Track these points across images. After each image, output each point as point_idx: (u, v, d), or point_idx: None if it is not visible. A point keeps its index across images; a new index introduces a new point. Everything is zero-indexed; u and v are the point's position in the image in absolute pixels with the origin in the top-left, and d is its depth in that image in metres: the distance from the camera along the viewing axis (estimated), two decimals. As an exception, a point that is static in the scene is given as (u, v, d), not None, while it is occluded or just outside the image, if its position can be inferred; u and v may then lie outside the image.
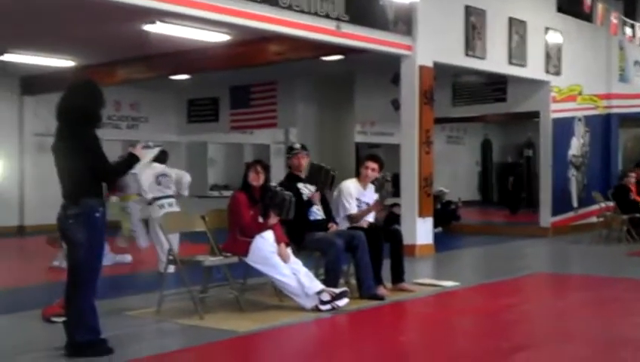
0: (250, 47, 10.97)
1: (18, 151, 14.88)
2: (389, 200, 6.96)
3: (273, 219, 5.99)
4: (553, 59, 12.84)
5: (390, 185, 6.86)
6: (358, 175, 7.21)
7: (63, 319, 5.45)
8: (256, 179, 6.15)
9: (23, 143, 14.91)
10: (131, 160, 4.87)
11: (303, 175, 6.73)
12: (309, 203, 6.56)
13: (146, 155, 4.98)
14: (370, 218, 7.04)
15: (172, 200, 8.41)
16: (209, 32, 10.15)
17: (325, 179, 6.61)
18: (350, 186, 6.99)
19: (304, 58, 10.98)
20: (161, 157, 8.14)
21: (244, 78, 15.17)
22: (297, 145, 6.92)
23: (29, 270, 9.66)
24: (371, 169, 6.98)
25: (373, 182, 6.92)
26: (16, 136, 14.89)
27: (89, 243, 4.61)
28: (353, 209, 6.88)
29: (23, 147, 14.91)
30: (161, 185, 8.34)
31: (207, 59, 11.81)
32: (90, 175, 4.64)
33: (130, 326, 5.52)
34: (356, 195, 6.94)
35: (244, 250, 5.99)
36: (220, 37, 10.42)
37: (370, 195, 6.98)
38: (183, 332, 5.41)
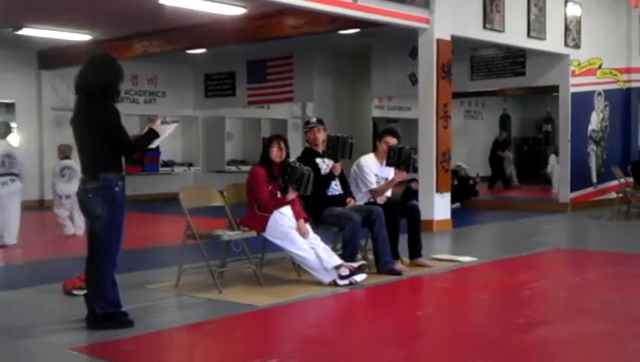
0: (267, 20, 10.92)
1: (37, 126, 14.98)
2: (408, 176, 6.93)
3: (291, 195, 5.99)
4: (572, 32, 12.66)
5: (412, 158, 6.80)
6: (375, 150, 7.19)
7: (83, 292, 5.52)
8: (279, 156, 6.13)
9: (41, 118, 15.00)
10: (150, 135, 4.89)
11: (320, 150, 6.71)
12: (329, 177, 6.55)
13: (165, 131, 4.98)
14: (388, 193, 7.03)
15: (14, 177, 8.70)
16: (225, 5, 10.12)
17: (344, 148, 6.57)
18: (369, 161, 6.98)
19: (320, 32, 10.91)
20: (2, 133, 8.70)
21: (260, 52, 15.13)
22: (313, 119, 6.88)
23: (49, 243, 9.76)
24: (388, 144, 6.95)
25: (389, 153, 6.80)
26: (34, 110, 14.97)
27: (108, 218, 4.65)
28: (374, 183, 6.87)
29: (41, 121, 15.00)
30: (5, 165, 8.56)
31: (224, 33, 11.78)
32: (109, 149, 4.66)
33: (150, 299, 5.57)
34: (375, 171, 6.93)
35: (262, 225, 6.00)
36: (235, 10, 10.38)
37: (388, 170, 6.96)
38: (202, 305, 5.45)
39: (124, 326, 4.66)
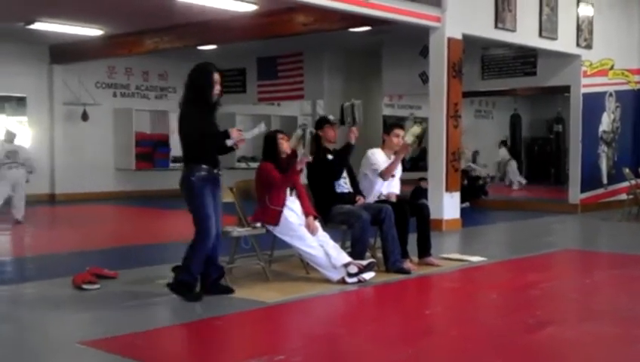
0: (277, 17, 10.94)
1: (48, 120, 15.04)
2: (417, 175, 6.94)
3: (301, 164, 5.98)
4: (584, 32, 12.61)
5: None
6: (383, 144, 7.18)
7: (94, 286, 5.56)
8: (289, 147, 6.13)
9: (53, 112, 15.06)
10: (222, 135, 5.36)
11: (332, 147, 6.72)
12: (341, 159, 6.57)
13: (250, 133, 5.52)
14: (397, 190, 7.03)
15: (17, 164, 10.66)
16: (236, 2, 10.13)
17: (352, 114, 6.66)
18: (377, 153, 7.00)
19: (331, 29, 10.91)
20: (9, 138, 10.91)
21: (271, 49, 15.14)
22: (331, 117, 6.94)
23: (60, 237, 9.82)
24: (399, 136, 6.98)
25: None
26: (45, 105, 15.04)
27: (196, 203, 5.30)
28: (383, 167, 6.88)
29: (53, 116, 15.06)
30: (10, 158, 10.62)
31: (234, 30, 11.80)
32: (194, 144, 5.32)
33: (161, 294, 5.56)
34: (383, 163, 6.93)
35: (275, 218, 5.96)
36: (247, 7, 10.39)
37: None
38: (211, 301, 5.45)
39: (195, 299, 5.26)
